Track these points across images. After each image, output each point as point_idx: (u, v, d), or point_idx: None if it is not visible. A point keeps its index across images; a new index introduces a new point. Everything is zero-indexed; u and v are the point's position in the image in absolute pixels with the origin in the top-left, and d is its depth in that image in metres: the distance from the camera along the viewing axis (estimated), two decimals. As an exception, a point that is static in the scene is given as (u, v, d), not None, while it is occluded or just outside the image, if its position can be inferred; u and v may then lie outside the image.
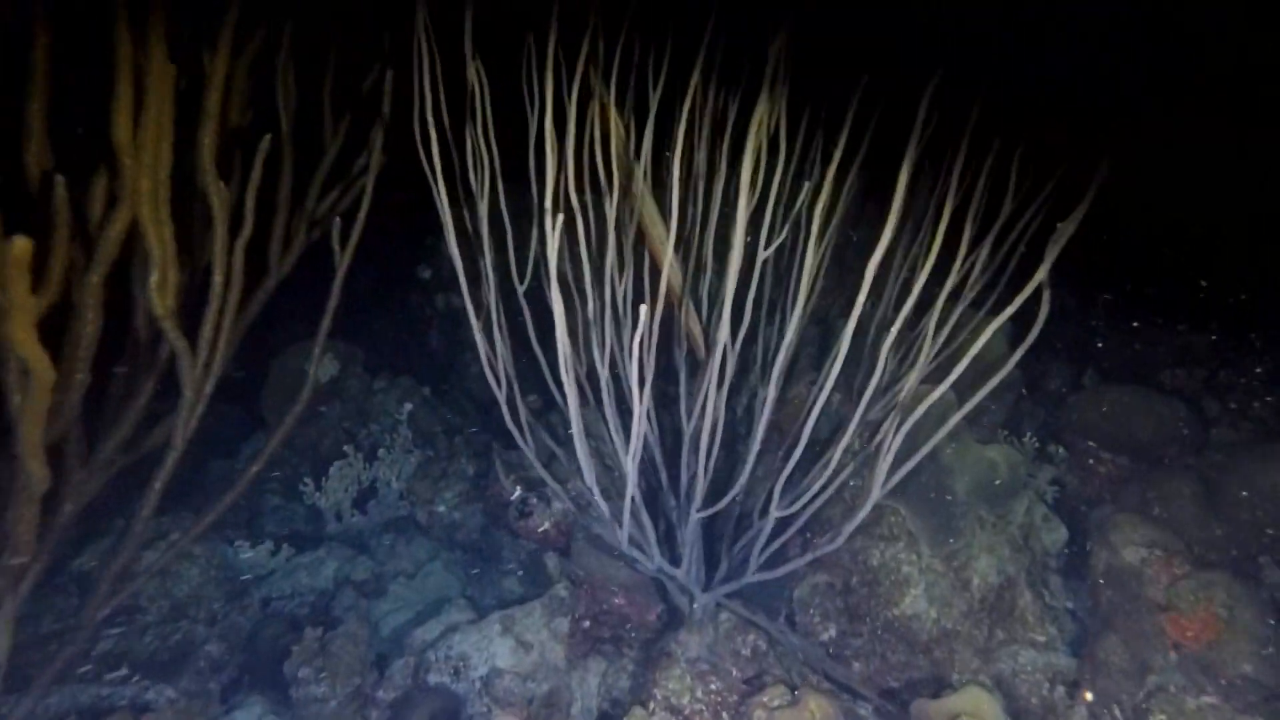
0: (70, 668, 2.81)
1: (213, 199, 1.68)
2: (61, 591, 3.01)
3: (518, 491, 2.73)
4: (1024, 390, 3.62)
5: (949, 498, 2.30)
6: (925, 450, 1.84)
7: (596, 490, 1.78)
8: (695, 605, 2.17)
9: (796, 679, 2.25)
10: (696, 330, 2.02)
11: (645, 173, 2.04)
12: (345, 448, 3.28)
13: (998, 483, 2.33)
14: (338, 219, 2.03)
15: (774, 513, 1.85)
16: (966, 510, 2.31)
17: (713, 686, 2.14)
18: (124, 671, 2.87)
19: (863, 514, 1.81)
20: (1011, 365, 1.79)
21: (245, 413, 3.90)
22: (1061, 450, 3.04)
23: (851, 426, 1.70)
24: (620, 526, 1.83)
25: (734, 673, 2.24)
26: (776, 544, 2.07)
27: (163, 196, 1.64)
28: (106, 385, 2.18)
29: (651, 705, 2.10)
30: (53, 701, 2.50)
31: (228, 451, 4.05)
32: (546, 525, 2.64)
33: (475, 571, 3.28)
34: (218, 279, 1.70)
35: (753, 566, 2.05)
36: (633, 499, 1.66)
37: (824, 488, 1.85)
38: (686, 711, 2.06)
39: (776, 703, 1.94)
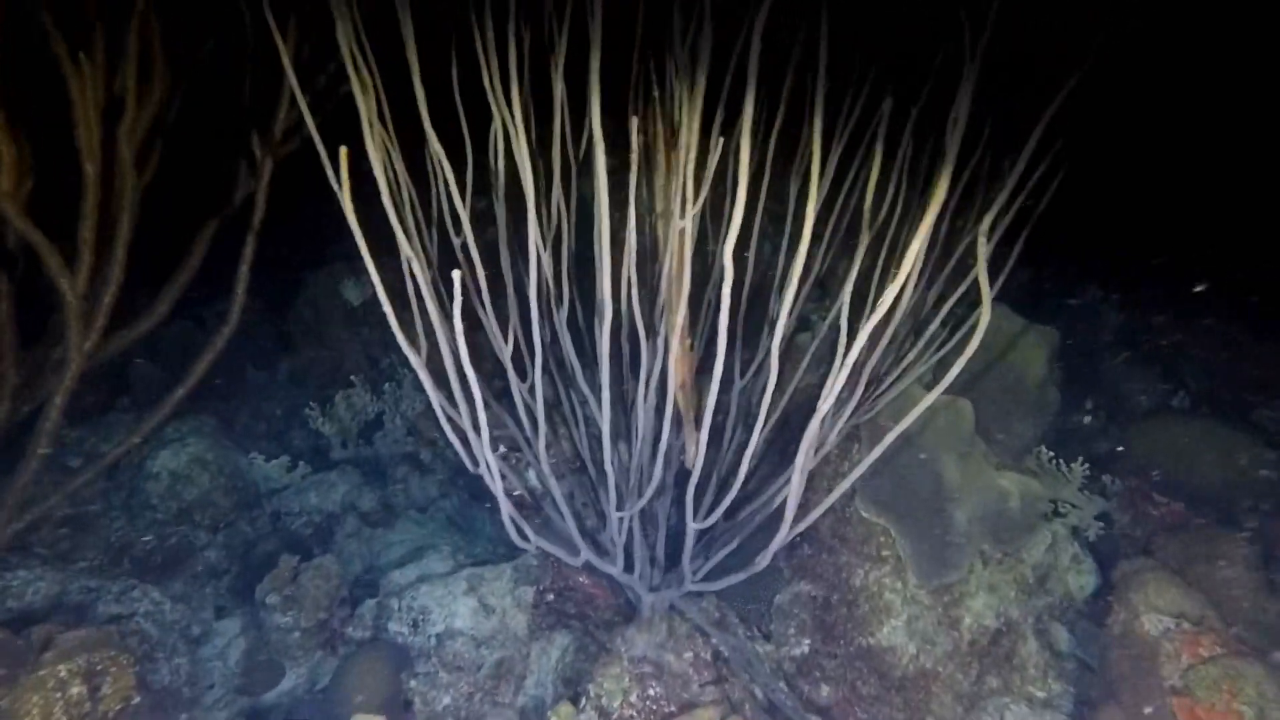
0: (73, 552, 2.97)
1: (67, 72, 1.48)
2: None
3: (501, 449, 2.62)
4: (1090, 408, 3.21)
5: (946, 525, 2.02)
6: (857, 472, 1.56)
7: (559, 503, 1.64)
8: (643, 604, 2.02)
9: (745, 694, 2.08)
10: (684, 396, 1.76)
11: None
12: (353, 377, 3.25)
13: (1008, 515, 2.03)
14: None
15: (693, 524, 1.64)
16: (966, 542, 2.03)
17: (651, 692, 2.00)
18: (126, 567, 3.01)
19: (784, 534, 1.58)
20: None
21: (276, 330, 3.95)
22: (1117, 483, 2.67)
23: (809, 434, 1.46)
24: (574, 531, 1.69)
25: (680, 679, 2.08)
26: (722, 553, 1.87)
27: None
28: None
29: (583, 702, 1.99)
30: (43, 585, 2.61)
31: (268, 364, 4.14)
32: (520, 491, 2.52)
33: (469, 517, 3.24)
34: (88, 168, 1.55)
35: (687, 577, 1.86)
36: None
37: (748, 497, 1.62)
38: (614, 716, 1.93)
39: (703, 726, 1.78)
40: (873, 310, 1.23)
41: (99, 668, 1.95)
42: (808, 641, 2.27)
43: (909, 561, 2.06)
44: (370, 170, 1.77)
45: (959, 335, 2.07)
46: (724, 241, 1.13)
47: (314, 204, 2.84)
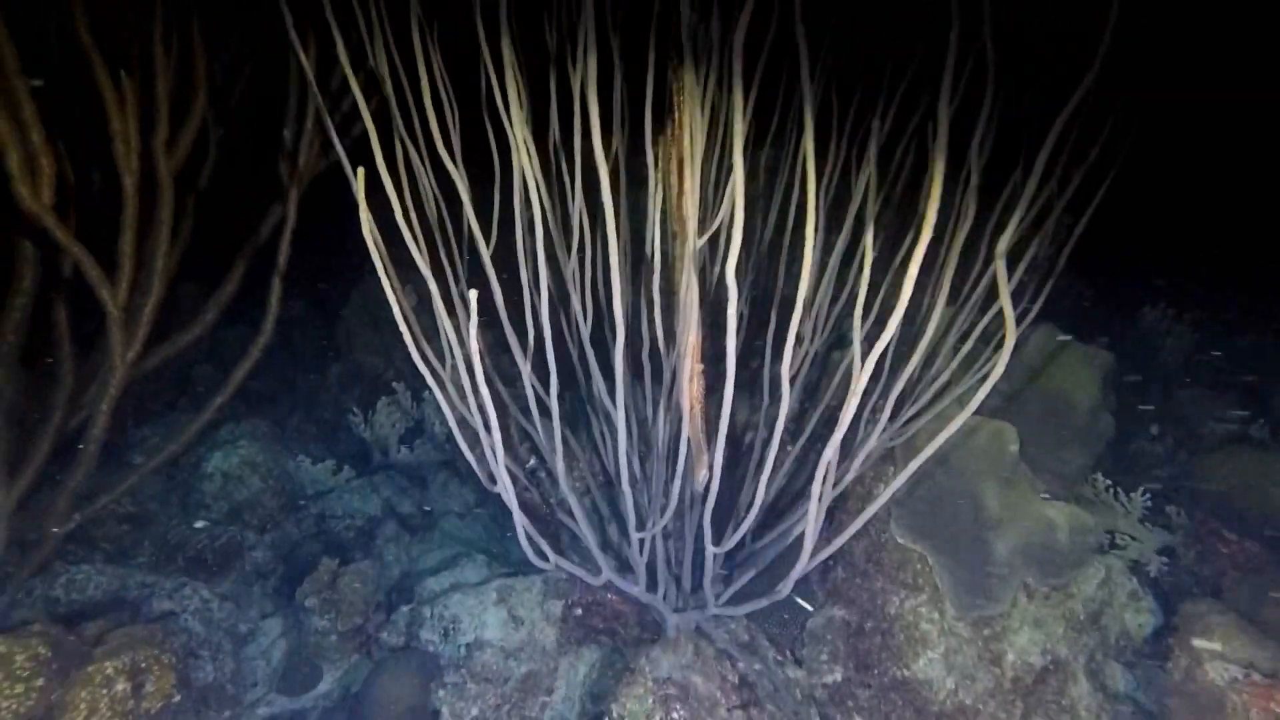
0: (133, 548, 3.09)
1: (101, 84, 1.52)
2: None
3: (532, 461, 2.62)
4: (1156, 434, 3.03)
5: (986, 555, 1.93)
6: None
7: (580, 521, 1.62)
8: (668, 624, 1.98)
9: (773, 723, 2.02)
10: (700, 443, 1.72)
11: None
12: (395, 385, 3.31)
13: (1054, 547, 1.92)
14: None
15: (711, 549, 1.60)
16: (1008, 573, 1.93)
17: (675, 714, 1.96)
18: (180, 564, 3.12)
19: (804, 564, 1.52)
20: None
21: (327, 336, 4.04)
22: (1183, 515, 2.50)
23: (824, 460, 1.40)
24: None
25: (707, 702, 2.04)
26: (746, 578, 1.82)
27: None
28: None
29: (604, 720, 1.96)
30: (103, 580, 2.71)
31: (320, 369, 4.25)
32: (547, 508, 2.51)
33: (507, 525, 3.26)
34: (127, 182, 1.60)
35: (709, 601, 1.82)
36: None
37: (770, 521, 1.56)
38: (636, 737, 1.90)
39: (723, 756, 1.73)
40: (881, 329, 1.18)
41: (143, 665, 2.01)
42: (840, 669, 2.20)
43: (946, 592, 1.97)
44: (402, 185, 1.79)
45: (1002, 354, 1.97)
46: (724, 262, 1.09)
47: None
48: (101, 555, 2.94)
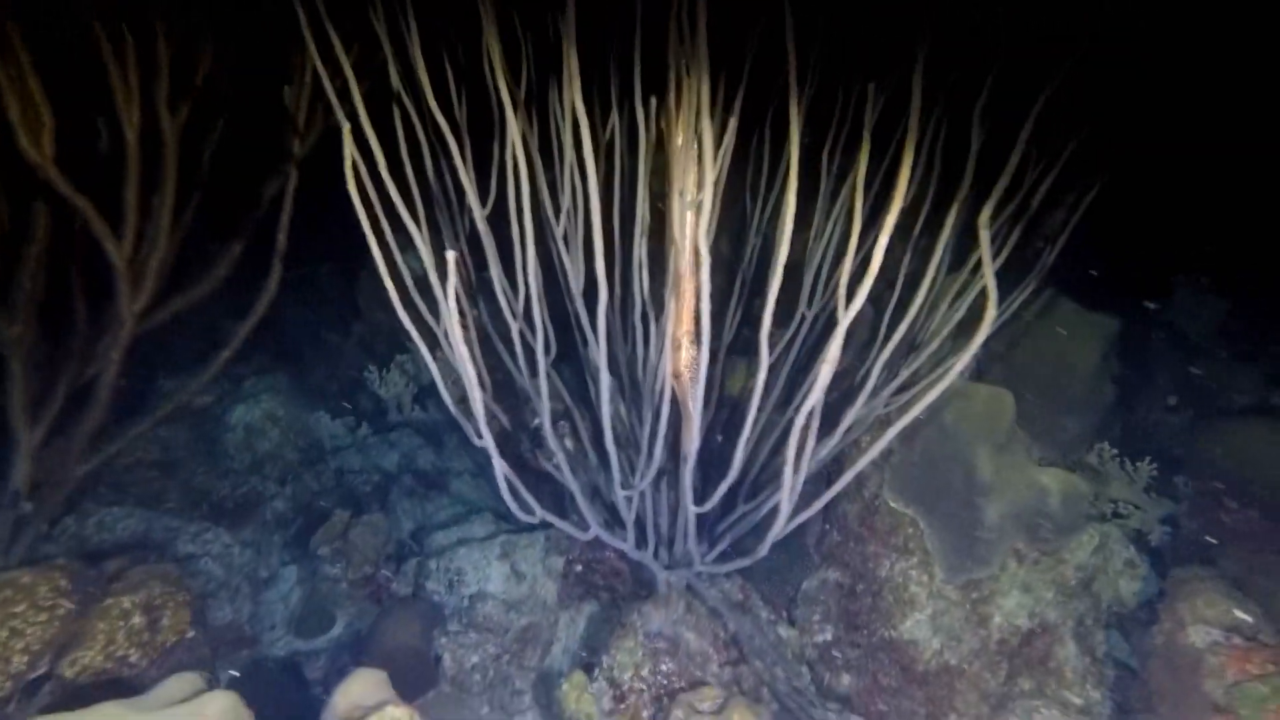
0: (161, 493, 3.23)
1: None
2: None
3: (536, 421, 2.67)
4: (1174, 405, 2.98)
5: (976, 520, 1.93)
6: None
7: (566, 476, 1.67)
8: (659, 581, 2.02)
9: (761, 678, 2.06)
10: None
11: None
12: (408, 343, 3.36)
13: (1046, 513, 1.92)
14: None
15: (691, 508, 1.63)
16: (997, 538, 1.93)
17: (664, 667, 2.01)
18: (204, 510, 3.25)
19: (780, 526, 1.54)
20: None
21: (349, 295, 4.12)
22: (1190, 485, 2.47)
23: (802, 416, 1.41)
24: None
25: (699, 658, 2.09)
26: (732, 536, 1.85)
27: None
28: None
29: (596, 673, 2.02)
30: (131, 522, 2.84)
31: (342, 328, 4.34)
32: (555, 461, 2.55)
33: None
34: (128, 134, 1.64)
35: (695, 558, 1.85)
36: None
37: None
38: (625, 688, 1.96)
39: (705, 705, 1.78)
40: (853, 296, 1.18)
41: (158, 602, 2.12)
42: (831, 629, 2.23)
43: (936, 555, 1.98)
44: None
45: (1003, 317, 1.96)
46: (701, 229, 1.10)
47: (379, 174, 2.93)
48: (131, 499, 3.07)
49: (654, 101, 1.67)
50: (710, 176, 1.12)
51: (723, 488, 1.55)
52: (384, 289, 1.57)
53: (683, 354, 1.52)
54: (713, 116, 1.36)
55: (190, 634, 2.20)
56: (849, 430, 1.89)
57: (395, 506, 3.34)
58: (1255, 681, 1.62)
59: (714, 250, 2.38)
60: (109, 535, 2.75)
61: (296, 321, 4.23)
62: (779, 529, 1.52)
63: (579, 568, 2.52)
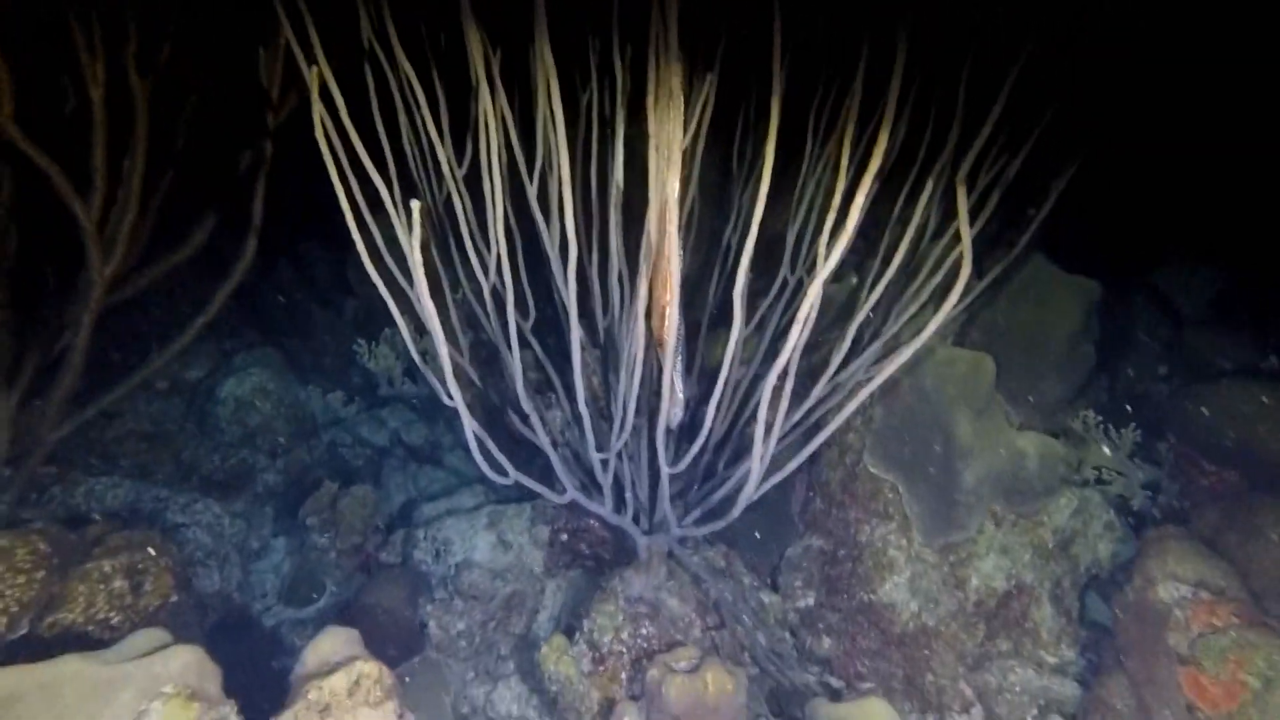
0: (151, 464, 3.24)
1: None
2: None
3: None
4: (1164, 373, 2.97)
5: (954, 484, 1.93)
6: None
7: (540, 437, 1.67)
8: (639, 546, 2.03)
9: (740, 641, 2.08)
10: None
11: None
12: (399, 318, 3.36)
13: (1023, 477, 1.92)
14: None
15: (665, 469, 1.63)
16: (974, 502, 1.94)
17: (644, 631, 2.03)
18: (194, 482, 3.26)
19: (751, 489, 1.54)
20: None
21: (341, 271, 4.11)
22: (1171, 451, 2.47)
23: (774, 373, 1.41)
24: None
25: (680, 622, 2.10)
26: (709, 500, 1.85)
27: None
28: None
29: (576, 636, 2.03)
30: (120, 491, 2.86)
31: (334, 303, 4.34)
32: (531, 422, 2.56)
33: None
34: (94, 93, 1.62)
35: (672, 522, 1.86)
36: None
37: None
38: (604, 650, 1.97)
39: (681, 664, 1.79)
40: (828, 258, 1.17)
41: (140, 566, 2.13)
42: (812, 595, 2.24)
43: (914, 519, 1.99)
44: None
45: (984, 283, 1.95)
46: (669, 182, 1.08)
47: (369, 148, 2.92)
48: (121, 470, 3.09)
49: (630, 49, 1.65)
50: (679, 128, 1.11)
51: (694, 448, 1.55)
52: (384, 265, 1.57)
53: (663, 311, 1.51)
54: (694, 73, 1.35)
55: (174, 599, 2.21)
56: (828, 396, 1.89)
57: (387, 480, 3.36)
58: (1217, 634, 1.63)
59: (697, 221, 2.38)
60: (98, 504, 2.77)
61: (289, 298, 4.23)
62: (751, 490, 1.52)
63: (564, 536, 2.53)
